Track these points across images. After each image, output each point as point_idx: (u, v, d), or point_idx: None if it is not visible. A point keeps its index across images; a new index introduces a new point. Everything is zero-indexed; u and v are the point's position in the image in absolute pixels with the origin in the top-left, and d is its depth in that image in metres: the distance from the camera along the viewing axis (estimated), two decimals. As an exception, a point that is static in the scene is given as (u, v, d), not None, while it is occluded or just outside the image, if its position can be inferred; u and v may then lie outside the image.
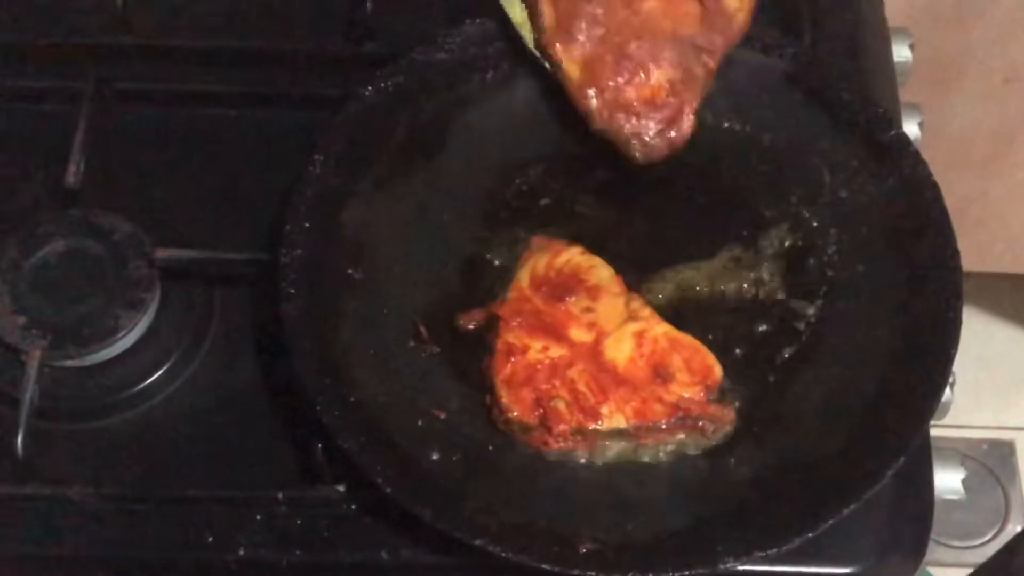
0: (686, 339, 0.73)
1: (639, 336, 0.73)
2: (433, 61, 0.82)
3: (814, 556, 0.71)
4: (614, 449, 0.72)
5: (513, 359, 0.72)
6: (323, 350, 0.72)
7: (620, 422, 0.71)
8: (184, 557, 0.72)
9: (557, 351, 0.73)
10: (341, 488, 0.72)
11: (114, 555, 0.72)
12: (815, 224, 0.79)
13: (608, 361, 0.72)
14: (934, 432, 0.75)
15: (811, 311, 0.76)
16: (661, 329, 0.73)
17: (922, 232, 0.76)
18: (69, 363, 0.76)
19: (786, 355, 0.75)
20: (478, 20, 0.82)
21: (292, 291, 0.73)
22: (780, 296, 0.77)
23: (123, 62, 0.87)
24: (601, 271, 0.76)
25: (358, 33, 0.87)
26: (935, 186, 0.77)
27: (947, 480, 0.76)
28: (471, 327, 0.75)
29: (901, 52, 0.90)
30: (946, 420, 0.76)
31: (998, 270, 1.42)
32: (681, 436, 0.72)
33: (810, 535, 0.66)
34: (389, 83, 0.81)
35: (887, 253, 0.77)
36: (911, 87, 0.90)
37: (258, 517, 0.72)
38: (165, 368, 0.77)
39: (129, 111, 0.86)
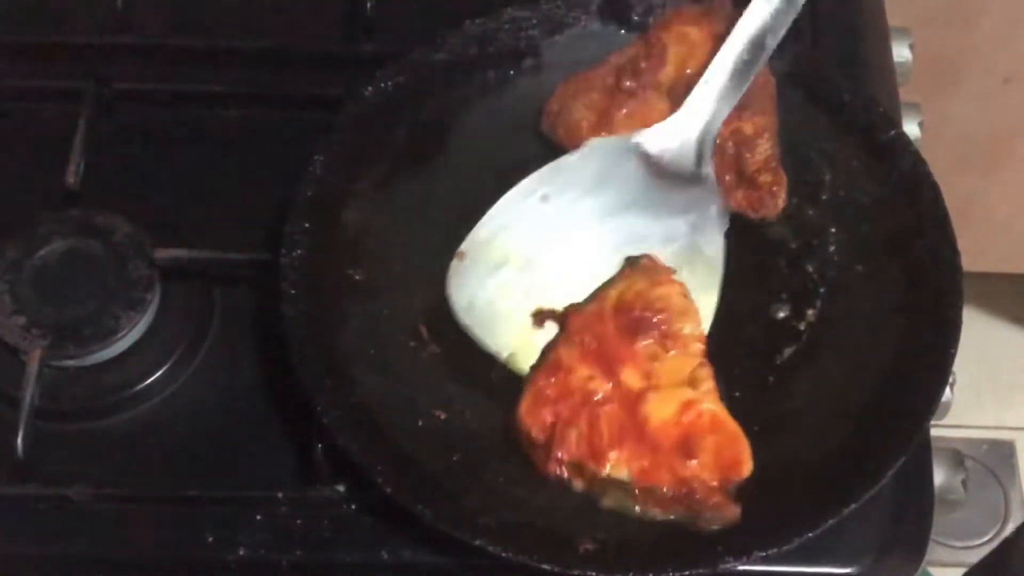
0: (731, 426, 0.69)
1: (686, 405, 0.69)
2: (433, 61, 0.82)
3: (814, 556, 0.70)
4: (610, 497, 0.69)
5: (555, 378, 0.70)
6: (323, 350, 0.72)
7: (622, 474, 0.68)
8: (184, 557, 0.72)
9: (600, 385, 0.70)
10: (341, 488, 0.72)
11: (114, 555, 0.72)
12: (815, 224, 0.79)
13: (643, 413, 0.69)
14: (934, 432, 0.75)
15: (811, 311, 0.76)
16: (711, 407, 0.69)
17: (922, 232, 0.76)
18: (69, 363, 0.76)
19: (786, 355, 0.75)
20: (478, 20, 0.83)
21: (292, 291, 0.73)
22: (780, 296, 0.77)
23: (123, 62, 0.87)
24: (689, 323, 0.71)
25: (358, 33, 0.87)
26: (935, 186, 0.77)
27: (947, 480, 0.76)
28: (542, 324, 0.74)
29: (901, 52, 0.90)
30: (946, 420, 0.75)
31: (998, 270, 1.42)
32: (676, 512, 0.68)
33: (810, 535, 0.66)
34: (389, 83, 0.81)
35: (887, 253, 0.77)
36: (911, 87, 0.90)
37: (258, 517, 0.72)
38: (165, 368, 0.77)
39: (129, 111, 0.86)
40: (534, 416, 0.69)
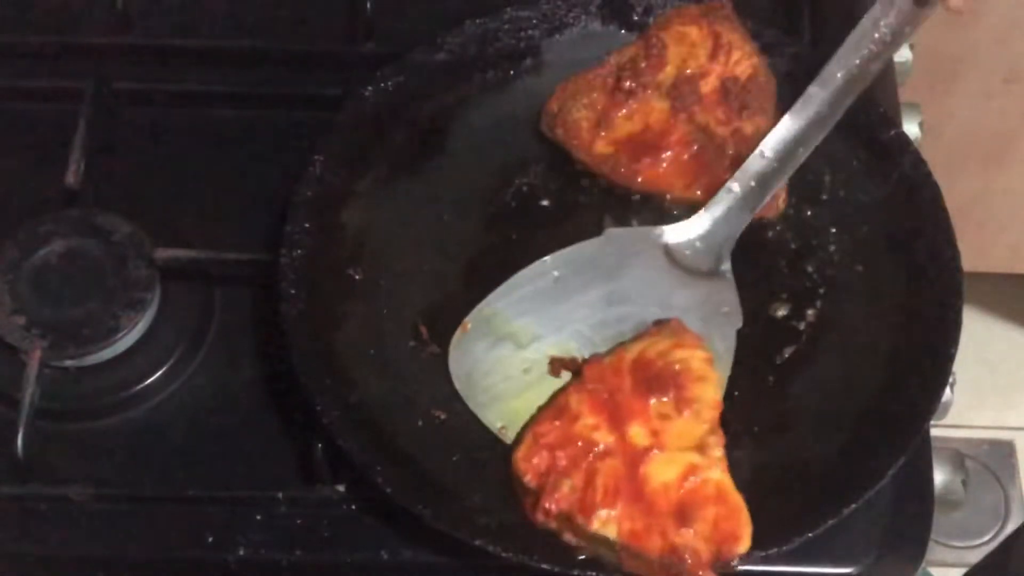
0: (735, 500, 0.66)
1: (690, 469, 0.66)
2: (433, 61, 0.82)
3: (814, 556, 0.70)
4: (596, 551, 0.67)
5: (559, 423, 0.68)
6: (323, 350, 0.72)
7: (611, 532, 0.65)
8: (184, 557, 0.72)
9: (604, 436, 0.68)
10: (341, 488, 0.72)
11: (114, 555, 0.72)
12: (815, 224, 0.79)
13: (643, 474, 0.66)
14: (934, 432, 0.75)
15: (811, 311, 0.76)
16: (717, 476, 0.66)
17: (922, 232, 0.77)
18: (69, 363, 0.76)
19: (786, 355, 0.75)
20: (478, 20, 0.83)
21: (292, 291, 0.73)
22: (780, 296, 0.77)
23: (123, 62, 0.87)
24: (707, 389, 0.69)
25: (358, 33, 0.87)
26: (935, 186, 0.77)
27: (947, 480, 0.76)
28: (558, 373, 0.73)
29: (901, 52, 0.90)
30: (946, 420, 0.75)
31: (998, 270, 1.42)
32: None
33: (810, 535, 0.66)
34: (389, 83, 0.81)
35: (887, 253, 0.77)
36: (911, 87, 0.90)
37: (258, 517, 0.72)
38: (165, 368, 0.77)
39: (129, 111, 0.86)
40: (529, 461, 0.68)
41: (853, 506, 0.67)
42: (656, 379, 0.69)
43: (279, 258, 0.74)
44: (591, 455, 0.67)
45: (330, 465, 0.71)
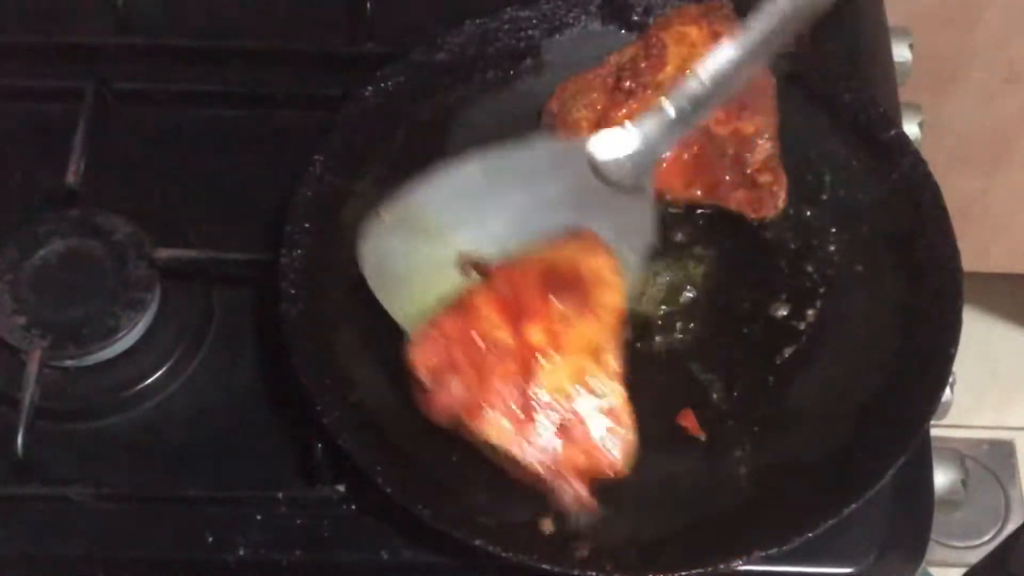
0: (622, 418, 0.66)
1: (579, 376, 0.66)
2: (433, 61, 0.82)
3: (814, 556, 0.70)
4: (485, 452, 0.68)
5: (459, 319, 0.67)
6: (323, 350, 0.72)
7: (494, 438, 0.66)
8: (184, 557, 0.72)
9: (503, 336, 0.67)
10: (341, 488, 0.72)
11: (114, 555, 0.72)
12: (815, 224, 0.79)
13: (536, 377, 0.66)
14: (934, 432, 0.75)
15: (811, 311, 0.76)
16: (609, 389, 0.67)
17: (922, 232, 0.77)
18: (69, 363, 0.76)
19: (786, 355, 0.75)
20: (478, 20, 0.83)
21: (292, 291, 0.73)
22: (780, 296, 0.77)
23: (123, 62, 0.87)
24: (610, 295, 0.69)
25: (358, 33, 0.87)
26: (935, 186, 0.77)
27: (947, 480, 0.76)
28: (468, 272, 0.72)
29: (901, 52, 0.90)
30: (946, 420, 0.75)
31: (998, 270, 1.42)
32: (539, 486, 0.66)
33: (810, 535, 0.66)
34: (389, 83, 0.81)
35: (887, 253, 0.77)
36: (911, 87, 0.90)
37: (258, 517, 0.72)
38: (165, 368, 0.77)
39: (129, 111, 0.86)
40: (425, 355, 0.67)
41: (853, 506, 0.67)
42: (560, 282, 0.69)
43: (279, 258, 0.74)
44: (487, 354, 0.67)
45: (330, 465, 0.71)
